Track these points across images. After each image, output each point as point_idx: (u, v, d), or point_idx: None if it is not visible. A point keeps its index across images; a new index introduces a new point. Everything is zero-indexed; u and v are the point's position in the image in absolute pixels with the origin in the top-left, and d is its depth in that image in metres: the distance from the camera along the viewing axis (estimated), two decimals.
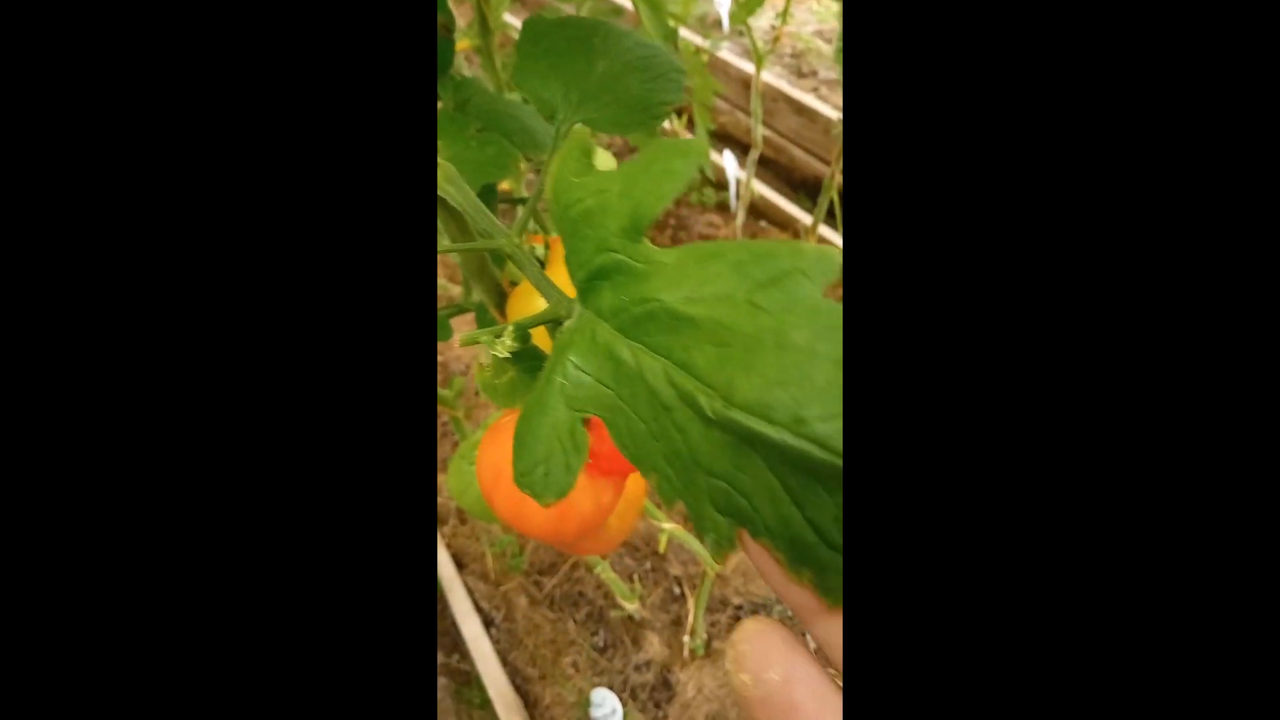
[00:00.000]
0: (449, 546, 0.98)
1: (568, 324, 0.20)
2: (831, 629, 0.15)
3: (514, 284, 0.36)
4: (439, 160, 0.27)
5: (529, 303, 0.34)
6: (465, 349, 1.06)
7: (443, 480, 1.03)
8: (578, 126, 0.29)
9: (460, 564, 0.97)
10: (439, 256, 0.30)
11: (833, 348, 0.14)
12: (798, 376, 0.14)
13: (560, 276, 0.27)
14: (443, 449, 1.06)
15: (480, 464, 0.32)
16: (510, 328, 0.27)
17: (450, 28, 0.36)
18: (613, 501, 0.31)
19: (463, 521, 1.01)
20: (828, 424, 0.13)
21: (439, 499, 1.02)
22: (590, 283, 0.18)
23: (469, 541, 0.99)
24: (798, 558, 0.14)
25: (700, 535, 0.15)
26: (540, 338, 0.28)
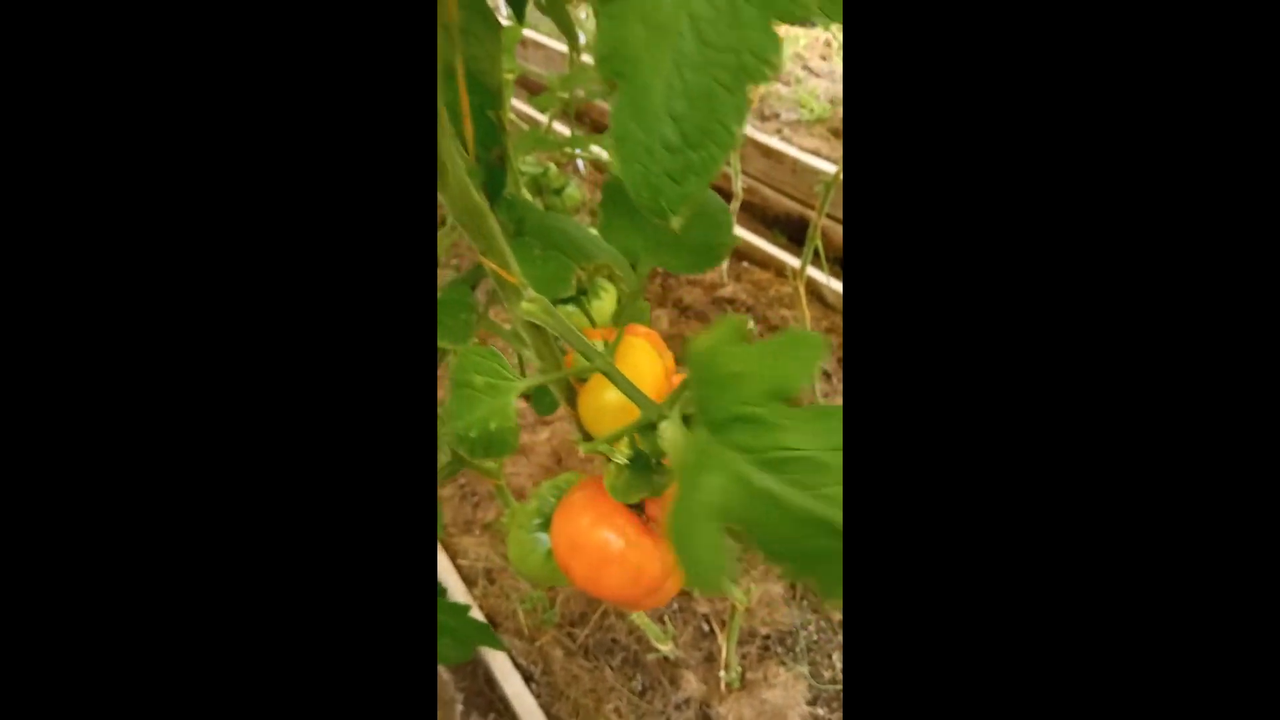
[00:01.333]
0: (481, 607, 1.01)
1: (690, 448, 0.25)
2: None
3: (581, 380, 0.40)
4: (534, 294, 0.31)
5: (601, 397, 0.38)
6: None
7: (469, 544, 1.06)
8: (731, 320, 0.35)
9: (494, 623, 1.00)
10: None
11: None
12: None
13: (628, 370, 0.32)
14: (486, 513, 1.10)
15: (555, 536, 0.36)
16: (624, 438, 0.32)
17: (504, 157, 0.41)
18: (673, 561, 0.36)
19: (491, 581, 1.04)
20: None
21: (466, 561, 1.05)
22: (727, 424, 0.24)
23: (500, 601, 1.02)
24: None
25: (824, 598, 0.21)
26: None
